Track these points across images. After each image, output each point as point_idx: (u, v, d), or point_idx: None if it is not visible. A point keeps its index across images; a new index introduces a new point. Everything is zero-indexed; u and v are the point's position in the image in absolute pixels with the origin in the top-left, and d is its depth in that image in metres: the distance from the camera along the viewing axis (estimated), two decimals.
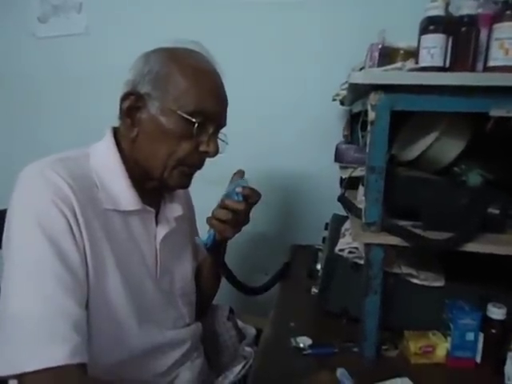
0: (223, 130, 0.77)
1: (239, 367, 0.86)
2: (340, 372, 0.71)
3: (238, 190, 0.78)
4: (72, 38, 1.60)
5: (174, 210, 0.82)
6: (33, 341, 0.54)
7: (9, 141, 1.75)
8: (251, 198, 0.80)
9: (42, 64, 1.66)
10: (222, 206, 0.79)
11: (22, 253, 0.59)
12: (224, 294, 1.03)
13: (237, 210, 0.78)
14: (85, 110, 1.61)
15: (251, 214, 0.82)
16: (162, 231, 0.78)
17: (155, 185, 0.76)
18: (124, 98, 0.70)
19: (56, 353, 0.54)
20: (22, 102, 1.72)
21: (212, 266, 0.93)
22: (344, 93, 1.11)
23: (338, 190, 1.04)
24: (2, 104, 1.74)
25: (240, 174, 0.83)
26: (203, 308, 0.94)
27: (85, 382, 0.57)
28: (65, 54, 1.62)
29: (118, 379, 0.69)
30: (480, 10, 0.68)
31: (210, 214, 0.79)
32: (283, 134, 1.48)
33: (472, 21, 0.69)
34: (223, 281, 1.00)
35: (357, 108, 1.09)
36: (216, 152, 0.74)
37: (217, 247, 0.86)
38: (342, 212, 1.09)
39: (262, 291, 1.09)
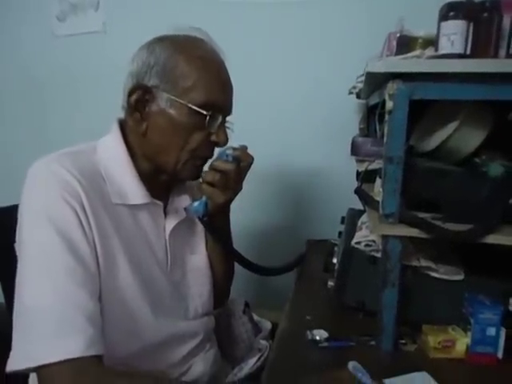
0: (229, 118, 0.77)
1: (254, 359, 0.87)
2: (352, 365, 0.65)
3: (229, 151, 0.77)
4: (90, 36, 1.63)
5: (183, 200, 0.82)
6: (48, 334, 0.55)
7: (23, 138, 1.78)
8: (242, 159, 0.78)
9: (61, 62, 1.69)
10: (210, 168, 0.77)
11: (34, 248, 0.60)
12: (239, 288, 1.03)
13: (225, 171, 0.76)
14: (103, 108, 1.63)
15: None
16: (170, 223, 0.78)
17: (166, 178, 0.76)
18: (131, 91, 0.69)
19: (71, 345, 0.55)
20: (40, 99, 1.75)
21: (214, 245, 0.86)
22: (360, 85, 1.09)
23: (353, 185, 1.03)
24: (20, 101, 1.78)
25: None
26: (220, 294, 0.90)
27: (101, 373, 0.58)
28: (83, 52, 1.65)
29: (132, 370, 0.69)
30: None
31: None
32: (299, 128, 1.47)
33: (494, 6, 0.67)
34: (237, 275, 0.99)
35: (373, 100, 1.07)
36: (226, 141, 0.74)
37: (212, 221, 0.81)
38: (358, 206, 1.08)
39: (276, 273, 1.03)
